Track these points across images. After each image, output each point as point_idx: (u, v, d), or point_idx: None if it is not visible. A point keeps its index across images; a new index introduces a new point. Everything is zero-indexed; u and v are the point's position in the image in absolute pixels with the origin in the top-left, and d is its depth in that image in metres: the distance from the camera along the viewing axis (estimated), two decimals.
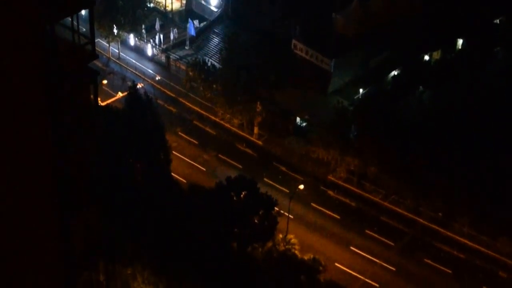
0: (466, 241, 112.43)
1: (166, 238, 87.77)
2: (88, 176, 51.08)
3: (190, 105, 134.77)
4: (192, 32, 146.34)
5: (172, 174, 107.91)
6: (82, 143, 50.42)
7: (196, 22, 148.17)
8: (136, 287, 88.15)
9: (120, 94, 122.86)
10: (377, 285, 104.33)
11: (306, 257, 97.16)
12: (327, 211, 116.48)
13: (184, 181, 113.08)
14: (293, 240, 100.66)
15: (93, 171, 52.61)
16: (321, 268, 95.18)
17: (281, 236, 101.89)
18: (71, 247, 49.55)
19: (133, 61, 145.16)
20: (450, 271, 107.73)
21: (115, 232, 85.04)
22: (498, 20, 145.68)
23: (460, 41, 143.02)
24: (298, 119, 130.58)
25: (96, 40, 55.87)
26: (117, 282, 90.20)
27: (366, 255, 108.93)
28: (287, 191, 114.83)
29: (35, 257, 46.38)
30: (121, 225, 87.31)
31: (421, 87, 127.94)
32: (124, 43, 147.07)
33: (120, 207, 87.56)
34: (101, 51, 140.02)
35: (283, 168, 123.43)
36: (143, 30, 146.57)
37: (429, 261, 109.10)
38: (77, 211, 50.23)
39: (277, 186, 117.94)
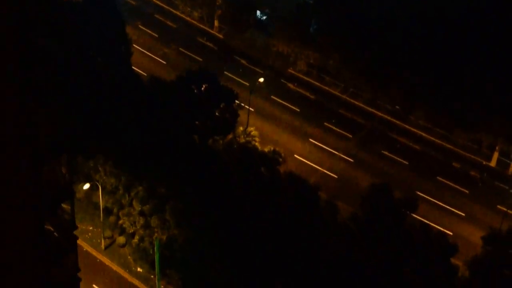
0: (422, 133, 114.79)
1: (128, 130, 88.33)
2: (51, 68, 51.05)
3: None
4: None
5: (133, 67, 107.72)
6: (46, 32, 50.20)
7: None
8: (98, 179, 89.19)
9: None
10: (335, 176, 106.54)
11: (266, 149, 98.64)
12: (287, 104, 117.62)
13: (145, 74, 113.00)
14: (253, 133, 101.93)
15: (55, 64, 52.57)
16: (280, 159, 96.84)
17: (241, 128, 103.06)
18: (36, 138, 49.94)
19: None
20: (406, 162, 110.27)
21: (78, 125, 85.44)
22: None
23: None
24: (258, 12, 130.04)
25: None
26: (79, 175, 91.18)
27: (325, 147, 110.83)
28: (248, 84, 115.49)
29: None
30: (83, 117, 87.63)
31: None
32: None
33: (82, 99, 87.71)
34: None
35: (244, 61, 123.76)
36: None
37: (386, 153, 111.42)
38: (40, 102, 50.38)
39: (238, 79, 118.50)
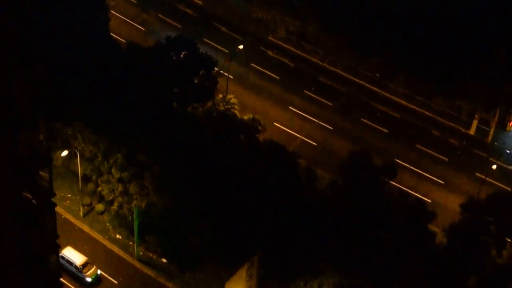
0: (401, 101, 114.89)
1: (107, 96, 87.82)
2: (28, 34, 50.44)
3: None
4: None
5: (111, 34, 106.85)
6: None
7: None
8: (76, 146, 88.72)
9: None
10: (314, 143, 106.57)
11: (245, 117, 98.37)
12: (266, 72, 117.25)
13: (123, 40, 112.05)
14: (232, 100, 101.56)
15: (32, 30, 51.99)
16: (260, 127, 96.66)
17: (221, 96, 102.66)
18: (13, 105, 49.53)
19: None
20: (386, 130, 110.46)
21: (56, 91, 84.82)
22: None
23: None
24: None
25: None
26: (57, 141, 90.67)
27: (304, 115, 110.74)
28: (227, 51, 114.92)
29: None
30: (62, 83, 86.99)
31: None
32: None
33: (60, 65, 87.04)
34: None
35: (223, 28, 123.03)
36: None
37: (365, 120, 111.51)
38: (17, 68, 49.90)
39: (217, 46, 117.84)
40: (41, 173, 63.80)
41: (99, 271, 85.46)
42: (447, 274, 77.93)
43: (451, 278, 78.01)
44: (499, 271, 79.11)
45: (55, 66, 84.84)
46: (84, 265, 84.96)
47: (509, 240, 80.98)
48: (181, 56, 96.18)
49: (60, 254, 79.97)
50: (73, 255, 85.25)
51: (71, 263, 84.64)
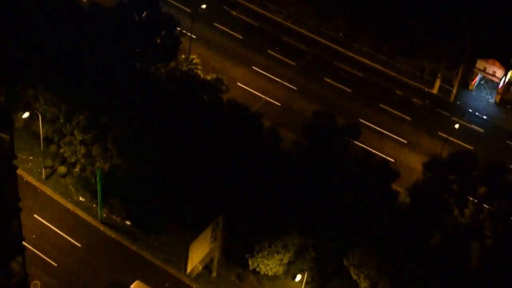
0: (365, 61, 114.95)
1: (68, 56, 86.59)
2: None
3: None
4: None
5: None
6: None
7: None
8: (38, 108, 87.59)
9: None
10: (278, 104, 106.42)
11: (209, 77, 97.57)
12: (229, 31, 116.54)
13: (84, 0, 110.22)
14: (195, 60, 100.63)
15: None
16: (223, 87, 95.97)
17: (183, 56, 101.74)
18: None
19: None
20: (349, 90, 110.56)
21: (16, 52, 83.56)
22: None
23: None
24: None
25: None
26: (18, 103, 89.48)
27: (268, 75, 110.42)
28: (189, 10, 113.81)
29: None
30: (22, 44, 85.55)
31: None
32: None
33: (19, 26, 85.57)
34: None
35: None
36: None
37: (329, 80, 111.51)
38: None
39: (179, 5, 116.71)
40: (2, 135, 63.13)
41: None
42: (410, 233, 78.53)
43: (414, 237, 78.63)
44: (462, 229, 79.94)
45: (14, 27, 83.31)
46: None
47: (471, 198, 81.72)
48: (143, 15, 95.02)
49: None
50: None
51: None
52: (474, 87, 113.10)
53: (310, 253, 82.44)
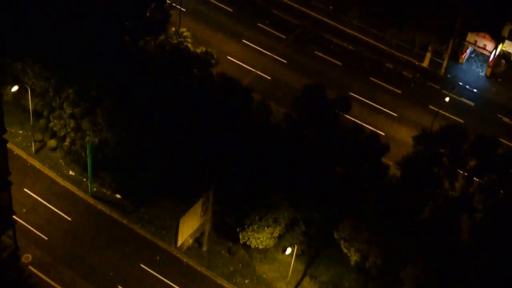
0: (355, 34, 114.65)
1: (58, 30, 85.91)
2: None
3: None
4: None
5: None
6: None
7: None
8: (27, 82, 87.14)
9: None
10: (268, 77, 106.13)
11: (198, 50, 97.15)
12: (219, 4, 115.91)
13: None
14: (185, 33, 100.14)
15: None
16: (213, 61, 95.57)
17: (173, 29, 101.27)
18: None
19: None
20: (339, 63, 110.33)
21: (4, 25, 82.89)
22: None
23: None
24: None
25: None
26: (7, 77, 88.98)
27: (258, 48, 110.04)
28: None
29: None
30: (11, 17, 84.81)
31: None
32: None
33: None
34: None
35: None
36: None
37: (319, 53, 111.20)
38: None
39: None
40: None
41: None
42: (400, 207, 78.75)
43: (404, 211, 78.88)
44: (452, 202, 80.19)
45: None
46: None
47: (461, 172, 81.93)
48: None
49: None
50: None
51: None
52: (464, 61, 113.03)
53: (300, 227, 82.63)
